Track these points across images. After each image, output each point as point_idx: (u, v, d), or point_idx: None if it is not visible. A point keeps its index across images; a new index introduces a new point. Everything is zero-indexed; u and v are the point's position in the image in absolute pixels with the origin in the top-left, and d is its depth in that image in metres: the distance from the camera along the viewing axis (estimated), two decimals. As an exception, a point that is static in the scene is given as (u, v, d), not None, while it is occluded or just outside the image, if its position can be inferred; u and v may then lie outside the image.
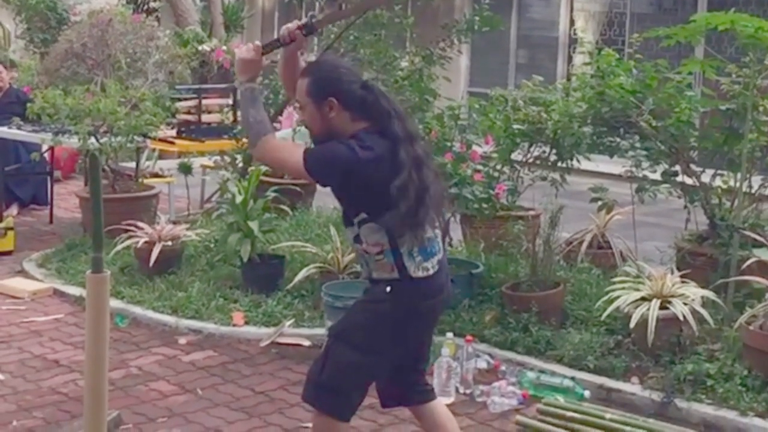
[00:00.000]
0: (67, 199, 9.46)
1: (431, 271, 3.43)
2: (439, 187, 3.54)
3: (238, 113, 8.69)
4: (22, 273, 7.07)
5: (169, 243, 6.61)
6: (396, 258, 3.39)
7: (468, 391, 5.01)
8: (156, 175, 8.75)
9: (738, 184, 5.68)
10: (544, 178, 6.64)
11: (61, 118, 7.56)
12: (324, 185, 3.54)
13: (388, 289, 3.42)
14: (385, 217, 3.35)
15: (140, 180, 8.14)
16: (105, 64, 9.04)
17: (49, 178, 9.06)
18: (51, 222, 8.72)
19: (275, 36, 3.58)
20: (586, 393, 4.88)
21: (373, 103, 3.40)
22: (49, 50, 10.74)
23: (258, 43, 3.55)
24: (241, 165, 7.70)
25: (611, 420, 4.47)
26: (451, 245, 6.61)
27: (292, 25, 3.52)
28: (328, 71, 3.49)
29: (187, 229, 6.97)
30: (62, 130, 7.99)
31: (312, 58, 8.53)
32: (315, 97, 3.42)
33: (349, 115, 3.41)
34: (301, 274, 6.05)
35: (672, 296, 5.07)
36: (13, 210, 8.93)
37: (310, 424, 4.49)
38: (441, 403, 3.80)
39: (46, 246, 7.73)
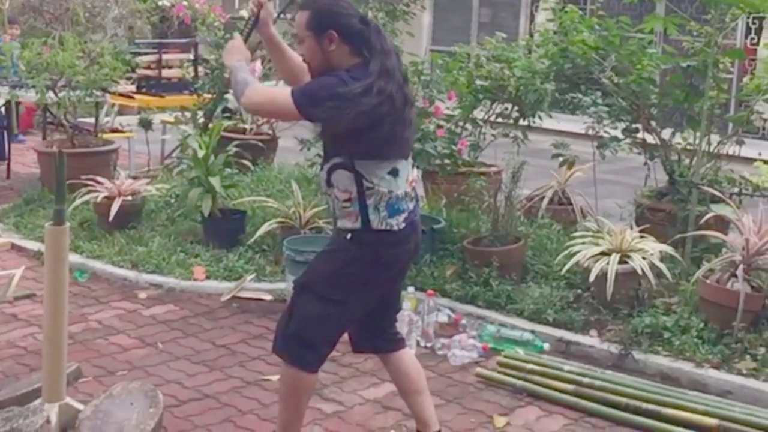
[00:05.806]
0: (25, 154, 9.35)
1: (395, 228, 3.42)
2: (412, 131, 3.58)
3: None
4: (-21, 228, 7.00)
5: (129, 198, 6.57)
6: (361, 208, 3.39)
7: (429, 345, 5.04)
8: (116, 131, 8.66)
9: (697, 141, 5.73)
10: (506, 135, 6.65)
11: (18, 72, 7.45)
12: (313, 119, 3.44)
13: (349, 236, 3.43)
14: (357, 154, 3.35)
15: (100, 135, 8.05)
16: (63, 18, 8.91)
17: (6, 132, 8.94)
18: (8, 177, 8.62)
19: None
20: (546, 346, 4.93)
21: (369, 39, 3.39)
22: (5, 3, 10.56)
23: (236, 33, 3.70)
24: (202, 120, 7.64)
25: (570, 372, 4.52)
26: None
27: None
28: (328, 4, 3.45)
29: (148, 184, 6.92)
30: (19, 84, 7.87)
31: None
32: (315, 30, 3.40)
33: (348, 49, 3.40)
34: (263, 229, 6.03)
35: (631, 251, 5.12)
36: (-30, 165, 8.83)
37: (270, 377, 4.54)
38: (409, 353, 3.82)
39: (4, 201, 7.65)
